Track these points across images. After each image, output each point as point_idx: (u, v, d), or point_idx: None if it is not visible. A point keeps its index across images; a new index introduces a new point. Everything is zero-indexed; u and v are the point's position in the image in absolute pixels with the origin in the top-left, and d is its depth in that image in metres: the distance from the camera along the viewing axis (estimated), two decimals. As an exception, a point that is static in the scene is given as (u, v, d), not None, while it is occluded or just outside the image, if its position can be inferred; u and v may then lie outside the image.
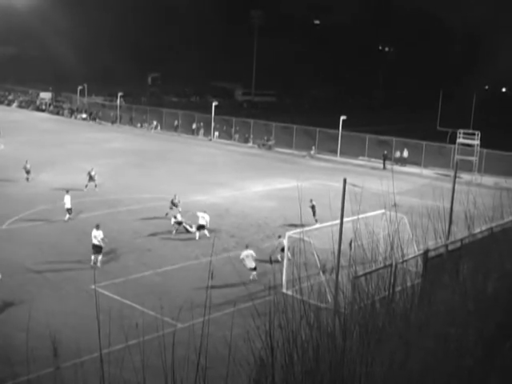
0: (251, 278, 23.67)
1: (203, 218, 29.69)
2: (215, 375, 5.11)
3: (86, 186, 38.15)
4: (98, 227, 25.53)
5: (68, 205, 31.27)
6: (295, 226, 29.54)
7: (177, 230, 30.21)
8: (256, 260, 24.35)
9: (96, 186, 38.31)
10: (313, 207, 32.37)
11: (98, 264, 24.82)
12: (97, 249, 25.02)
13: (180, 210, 31.70)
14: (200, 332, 4.99)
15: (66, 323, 19.17)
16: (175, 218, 30.60)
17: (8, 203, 34.36)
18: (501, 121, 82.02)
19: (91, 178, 38.43)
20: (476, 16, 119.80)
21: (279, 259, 25.60)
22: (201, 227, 29.68)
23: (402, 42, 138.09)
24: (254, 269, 23.98)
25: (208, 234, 29.54)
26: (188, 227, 30.39)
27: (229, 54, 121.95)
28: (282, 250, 25.14)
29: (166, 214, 31.91)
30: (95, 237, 25.10)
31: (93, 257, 25.00)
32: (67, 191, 32.11)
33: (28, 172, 40.25)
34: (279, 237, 26.69)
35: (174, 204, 32.49)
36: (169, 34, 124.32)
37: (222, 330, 15.48)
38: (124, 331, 6.82)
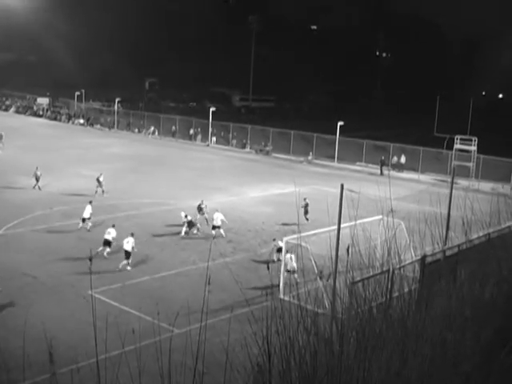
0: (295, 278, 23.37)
1: (218, 219, 30.71)
2: (212, 381, 5.10)
3: (96, 192, 38.22)
4: (132, 234, 26.33)
5: (86, 215, 30.70)
6: (293, 231, 29.58)
7: (198, 229, 30.89)
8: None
9: (103, 191, 38.32)
10: (306, 206, 33.12)
11: (128, 267, 25.48)
12: (126, 254, 25.69)
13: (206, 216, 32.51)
14: (197, 338, 4.97)
15: (63, 328, 19.11)
16: (186, 217, 31.02)
17: (6, 208, 34.31)
18: (498, 127, 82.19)
19: (99, 184, 38.40)
20: (473, 23, 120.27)
21: (275, 259, 26.22)
22: (215, 227, 30.70)
23: (399, 47, 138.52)
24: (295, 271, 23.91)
25: (223, 234, 30.61)
26: (187, 228, 30.80)
27: (227, 60, 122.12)
28: (278, 250, 26.16)
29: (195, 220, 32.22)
30: (128, 242, 25.83)
31: (125, 261, 25.58)
32: (90, 202, 31.65)
33: (38, 179, 39.52)
34: (274, 240, 27.50)
35: (200, 209, 32.76)
36: (167, 39, 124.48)
37: (219, 336, 15.42)
38: (121, 337, 6.80)
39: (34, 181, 39.66)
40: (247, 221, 34.24)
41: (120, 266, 25.41)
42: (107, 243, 26.83)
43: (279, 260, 25.95)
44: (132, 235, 26.30)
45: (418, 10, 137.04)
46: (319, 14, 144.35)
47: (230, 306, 19.33)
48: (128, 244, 25.77)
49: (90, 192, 38.44)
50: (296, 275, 23.53)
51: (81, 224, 30.70)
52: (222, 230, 30.68)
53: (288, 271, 23.80)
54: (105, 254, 26.61)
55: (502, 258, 6.54)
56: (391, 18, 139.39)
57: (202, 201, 33.72)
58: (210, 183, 44.33)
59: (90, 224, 30.69)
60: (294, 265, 23.83)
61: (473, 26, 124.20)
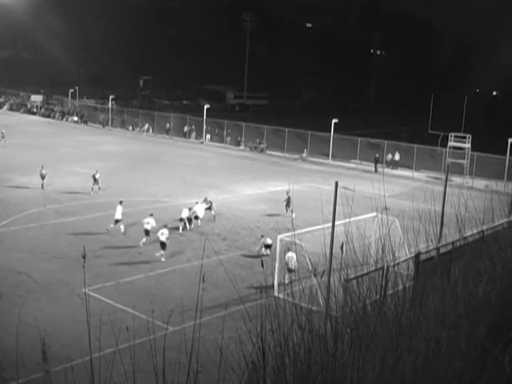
0: (287, 280, 23.26)
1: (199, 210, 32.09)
2: (206, 379, 5.09)
3: (93, 189, 38.06)
4: (165, 226, 27.67)
5: (118, 216, 30.27)
6: (287, 229, 29.59)
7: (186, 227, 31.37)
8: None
9: (99, 188, 38.18)
10: (288, 199, 34.59)
11: (163, 259, 26.55)
12: (162, 245, 26.80)
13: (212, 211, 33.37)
14: (191, 335, 4.97)
15: (57, 327, 19.07)
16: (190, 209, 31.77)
17: (0, 206, 34.22)
18: (491, 124, 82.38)
19: (95, 181, 38.23)
20: (467, 20, 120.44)
21: (264, 253, 27.07)
22: (197, 218, 31.97)
23: (394, 45, 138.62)
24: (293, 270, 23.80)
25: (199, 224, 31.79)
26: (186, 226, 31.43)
27: (221, 57, 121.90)
28: (266, 247, 27.18)
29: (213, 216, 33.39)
30: (163, 234, 26.94)
31: (162, 252, 26.75)
32: (120, 202, 31.14)
33: (43, 178, 38.82)
34: (262, 236, 28.30)
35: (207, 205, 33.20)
36: (161, 37, 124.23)
37: (213, 334, 15.42)
38: (115, 335, 6.79)
39: (40, 180, 38.93)
40: (242, 218, 34.25)
41: (157, 255, 26.55)
42: (147, 233, 28.09)
43: (267, 255, 26.71)
44: (165, 227, 27.50)
45: (413, 9, 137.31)
46: (314, 12, 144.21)
47: (224, 303, 19.32)
48: (163, 235, 26.81)
49: (85, 190, 38.41)
50: (293, 273, 23.57)
51: (112, 225, 30.09)
52: (199, 221, 31.93)
53: (290, 270, 23.77)
54: (141, 243, 27.83)
55: (495, 255, 6.56)
56: (386, 16, 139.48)
57: (206, 197, 34.05)
58: (205, 181, 44.30)
59: (122, 227, 30.17)
60: (296, 264, 23.81)
61: (467, 24, 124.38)
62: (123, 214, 30.48)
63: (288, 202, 34.70)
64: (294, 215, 32.79)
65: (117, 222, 30.21)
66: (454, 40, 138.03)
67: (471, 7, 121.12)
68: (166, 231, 27.14)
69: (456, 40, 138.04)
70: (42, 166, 39.58)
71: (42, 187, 38.66)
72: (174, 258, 27.06)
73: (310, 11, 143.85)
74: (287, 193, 34.68)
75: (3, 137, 56.57)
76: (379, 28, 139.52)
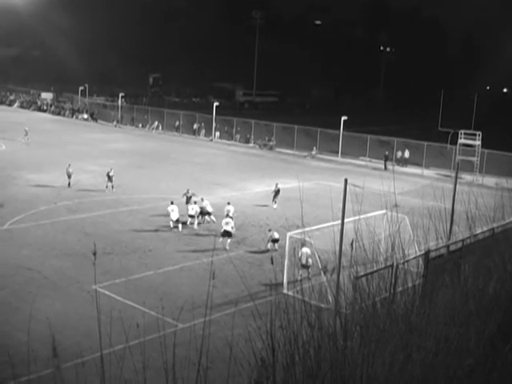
0: (300, 277, 23.38)
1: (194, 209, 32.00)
2: (216, 375, 5.11)
3: (107, 187, 38.08)
4: (227, 215, 29.11)
5: (176, 215, 30.40)
6: (297, 226, 29.61)
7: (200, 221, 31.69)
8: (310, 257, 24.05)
9: (113, 186, 38.22)
10: (277, 191, 36.09)
11: (227, 247, 27.39)
12: (227, 234, 27.80)
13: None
14: (201, 332, 4.98)
15: (67, 323, 19.16)
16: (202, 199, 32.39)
17: (10, 203, 34.35)
18: (502, 121, 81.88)
19: (109, 179, 38.27)
20: (476, 17, 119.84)
21: (269, 248, 27.42)
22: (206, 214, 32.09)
23: (403, 42, 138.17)
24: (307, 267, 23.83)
25: (213, 220, 31.57)
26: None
27: (230, 55, 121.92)
28: (273, 241, 27.44)
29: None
30: (227, 223, 28.06)
31: (221, 239, 27.80)
32: (172, 202, 31.26)
33: (70, 176, 38.75)
34: (269, 230, 28.44)
35: (188, 199, 33.61)
36: (170, 34, 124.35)
37: (223, 331, 15.47)
38: (125, 331, 6.82)
39: (72, 179, 38.92)
40: (251, 216, 34.25)
41: (226, 246, 27.39)
42: (227, 234, 28.19)
43: (276, 250, 26.89)
44: (228, 216, 29.04)
45: (421, 5, 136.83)
46: (324, 9, 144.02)
47: (233, 300, 19.34)
48: (228, 225, 27.91)
49: (95, 187, 38.50)
50: (310, 270, 23.52)
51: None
52: (212, 217, 31.94)
53: (303, 266, 23.72)
54: (226, 246, 27.61)
55: (505, 253, 6.54)
56: (395, 13, 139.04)
57: (188, 190, 34.46)
58: (214, 178, 44.34)
59: (180, 225, 30.46)
60: (310, 260, 23.76)
61: (476, 21, 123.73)
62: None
63: (276, 194, 36.04)
64: (275, 206, 35.39)
65: (177, 221, 30.55)
66: (463, 37, 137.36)
67: (480, 4, 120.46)
68: (230, 220, 28.30)
69: (465, 37, 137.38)
70: (69, 165, 39.43)
71: (69, 185, 38.54)
72: (183, 255, 27.10)
73: (320, 8, 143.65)
74: (276, 185, 36.32)
75: (26, 134, 57.04)
76: (387, 25, 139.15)
